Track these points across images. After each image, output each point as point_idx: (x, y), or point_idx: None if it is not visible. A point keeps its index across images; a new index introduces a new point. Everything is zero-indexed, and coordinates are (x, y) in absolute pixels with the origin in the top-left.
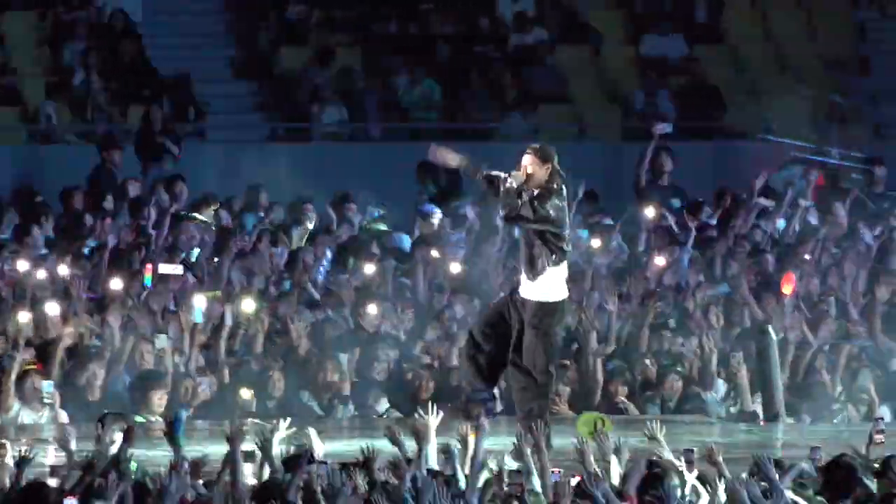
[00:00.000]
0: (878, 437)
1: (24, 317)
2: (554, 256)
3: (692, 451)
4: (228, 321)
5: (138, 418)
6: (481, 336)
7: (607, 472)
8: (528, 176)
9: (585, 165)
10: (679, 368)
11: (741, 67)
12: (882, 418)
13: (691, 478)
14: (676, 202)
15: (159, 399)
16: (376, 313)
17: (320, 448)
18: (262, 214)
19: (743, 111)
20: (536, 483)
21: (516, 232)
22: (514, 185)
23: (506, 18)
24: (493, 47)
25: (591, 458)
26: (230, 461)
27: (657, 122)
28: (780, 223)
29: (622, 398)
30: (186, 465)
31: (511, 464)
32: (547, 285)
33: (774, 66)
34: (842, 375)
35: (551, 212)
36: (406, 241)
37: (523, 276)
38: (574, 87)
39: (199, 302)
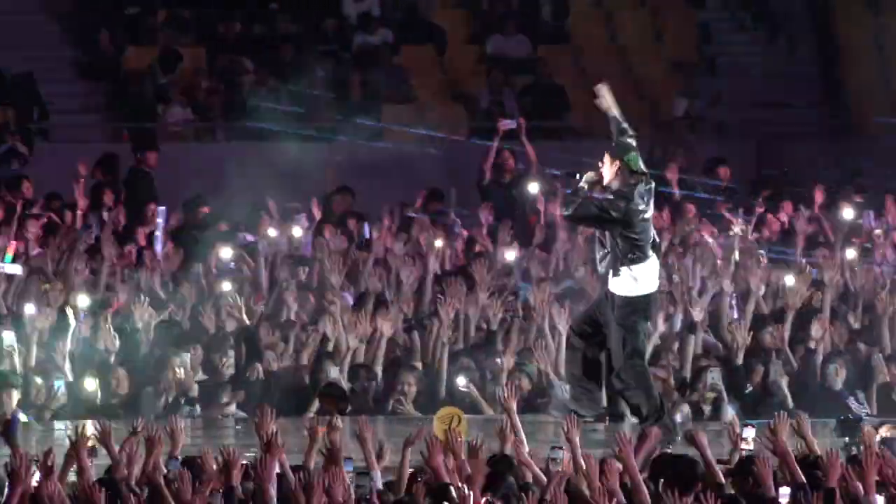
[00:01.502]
0: (744, 443)
1: None
2: (630, 255)
3: (560, 448)
4: (72, 320)
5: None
6: (580, 336)
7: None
8: (600, 174)
9: (430, 165)
10: (527, 366)
11: (585, 68)
12: (752, 425)
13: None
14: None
15: (8, 398)
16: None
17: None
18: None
19: (588, 111)
20: None
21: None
22: (582, 182)
23: (350, 19)
24: (338, 47)
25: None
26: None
27: (502, 119)
28: None
29: (473, 395)
30: (34, 466)
31: None
32: (628, 280)
33: (618, 67)
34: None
35: (612, 211)
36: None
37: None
38: (418, 86)
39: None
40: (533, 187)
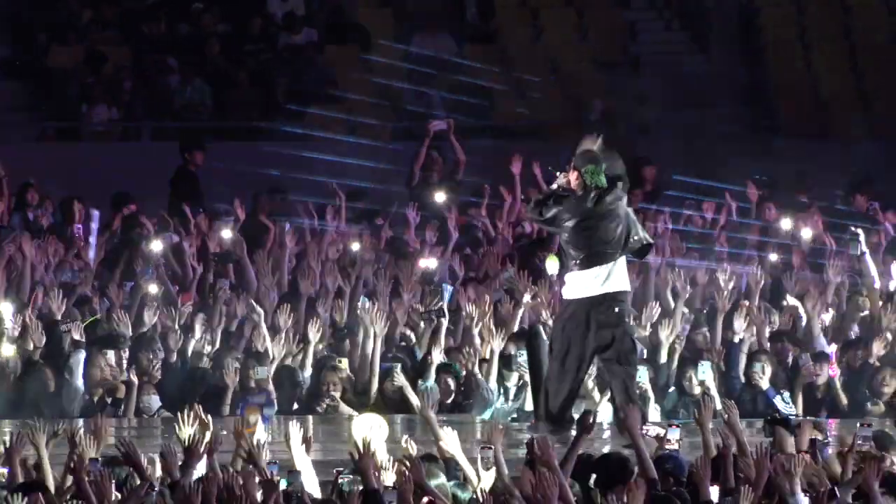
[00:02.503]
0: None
1: None
2: (571, 261)
3: (490, 447)
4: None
5: None
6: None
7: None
8: (569, 180)
9: (355, 164)
10: (454, 367)
11: (511, 67)
12: (677, 425)
13: (487, 476)
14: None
15: None
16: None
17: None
18: (31, 213)
19: (513, 111)
20: None
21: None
22: (555, 185)
23: (276, 18)
24: (263, 47)
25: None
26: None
27: (432, 120)
28: None
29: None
30: None
31: None
32: (570, 284)
33: (543, 67)
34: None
35: (550, 212)
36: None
37: None
38: (343, 86)
39: None
40: (440, 196)
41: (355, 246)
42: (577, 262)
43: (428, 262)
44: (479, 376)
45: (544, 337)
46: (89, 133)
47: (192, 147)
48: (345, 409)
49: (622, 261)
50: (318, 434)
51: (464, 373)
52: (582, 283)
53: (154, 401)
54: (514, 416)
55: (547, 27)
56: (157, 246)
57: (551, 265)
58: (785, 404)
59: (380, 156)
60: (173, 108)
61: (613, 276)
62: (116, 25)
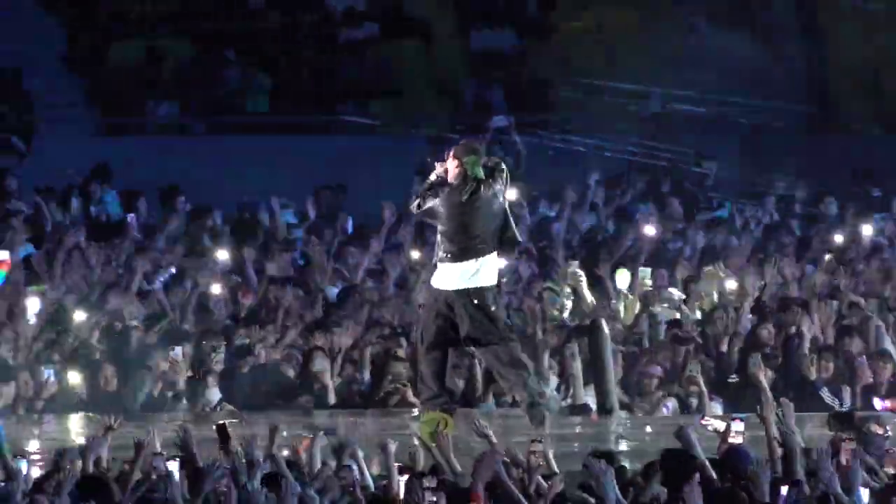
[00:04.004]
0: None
1: None
2: (441, 251)
3: (540, 440)
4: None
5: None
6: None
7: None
8: (447, 170)
9: (417, 159)
10: None
11: (571, 62)
12: (740, 418)
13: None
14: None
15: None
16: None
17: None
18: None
19: (571, 107)
20: None
21: None
22: (433, 176)
23: (336, 13)
24: (324, 41)
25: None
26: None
27: (493, 115)
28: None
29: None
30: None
31: None
32: (442, 274)
33: (602, 60)
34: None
35: (427, 202)
36: None
37: None
38: (404, 80)
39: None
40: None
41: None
42: (450, 254)
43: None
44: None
45: (606, 331)
46: (149, 127)
47: None
48: (412, 398)
49: (494, 255)
50: (387, 427)
51: None
52: (454, 276)
53: (214, 394)
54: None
55: (606, 21)
56: (223, 254)
57: (622, 279)
58: (832, 398)
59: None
60: (233, 103)
61: (483, 271)
62: (176, 20)
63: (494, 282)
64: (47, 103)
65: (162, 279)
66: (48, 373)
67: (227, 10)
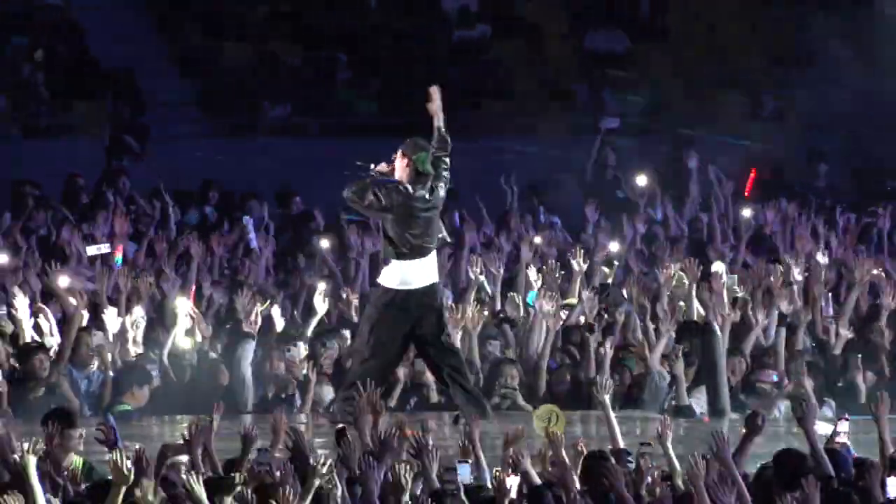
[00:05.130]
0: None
1: None
2: (403, 250)
3: (649, 443)
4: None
5: (126, 407)
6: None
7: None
8: (392, 168)
9: (528, 160)
10: (628, 362)
11: (683, 63)
12: (847, 418)
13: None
14: (621, 195)
15: (143, 392)
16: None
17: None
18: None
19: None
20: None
21: None
22: (374, 171)
23: (449, 14)
24: (436, 42)
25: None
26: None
27: (602, 117)
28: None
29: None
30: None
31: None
32: (395, 273)
33: (716, 62)
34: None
35: (382, 200)
36: None
37: None
38: (517, 82)
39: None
40: (641, 180)
41: (537, 239)
42: (407, 251)
43: (610, 247)
44: (655, 370)
45: (719, 333)
46: (263, 129)
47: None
48: (522, 402)
49: (435, 253)
50: (494, 428)
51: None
52: (412, 274)
53: (327, 392)
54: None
55: (719, 23)
56: (325, 243)
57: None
58: None
59: (552, 151)
60: (344, 105)
61: (432, 267)
62: (289, 22)
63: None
64: (160, 104)
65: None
66: (154, 372)
67: (341, 11)
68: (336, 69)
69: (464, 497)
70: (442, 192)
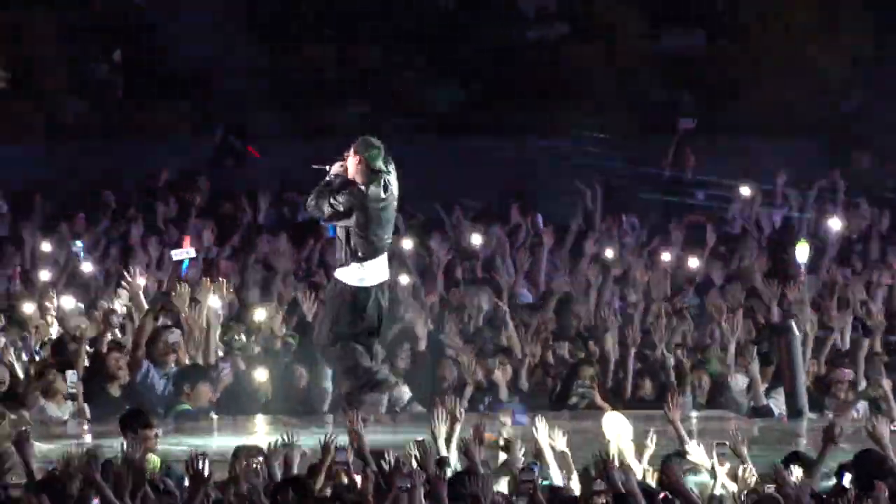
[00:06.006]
0: None
1: (28, 308)
2: (358, 252)
3: (725, 443)
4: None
5: (184, 406)
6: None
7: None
8: (346, 167)
9: (607, 161)
10: (707, 362)
11: (760, 62)
12: None
13: (722, 472)
14: (700, 195)
15: (206, 391)
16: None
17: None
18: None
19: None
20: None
21: None
22: (331, 174)
23: (526, 14)
24: (514, 42)
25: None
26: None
27: (679, 117)
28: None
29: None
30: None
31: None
32: (355, 272)
33: (793, 61)
34: (864, 369)
35: (340, 207)
36: None
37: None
38: (593, 81)
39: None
40: (745, 190)
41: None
42: (368, 253)
43: (692, 262)
44: (732, 374)
45: (797, 333)
46: (340, 129)
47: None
48: (599, 401)
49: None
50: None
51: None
52: (372, 272)
53: (404, 392)
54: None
55: (796, 22)
56: (408, 244)
57: (801, 251)
58: None
59: (627, 152)
60: (423, 105)
61: (385, 265)
62: (369, 22)
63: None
64: (241, 104)
65: None
66: (224, 367)
67: (419, 11)
68: (414, 68)
69: (540, 496)
70: (395, 188)
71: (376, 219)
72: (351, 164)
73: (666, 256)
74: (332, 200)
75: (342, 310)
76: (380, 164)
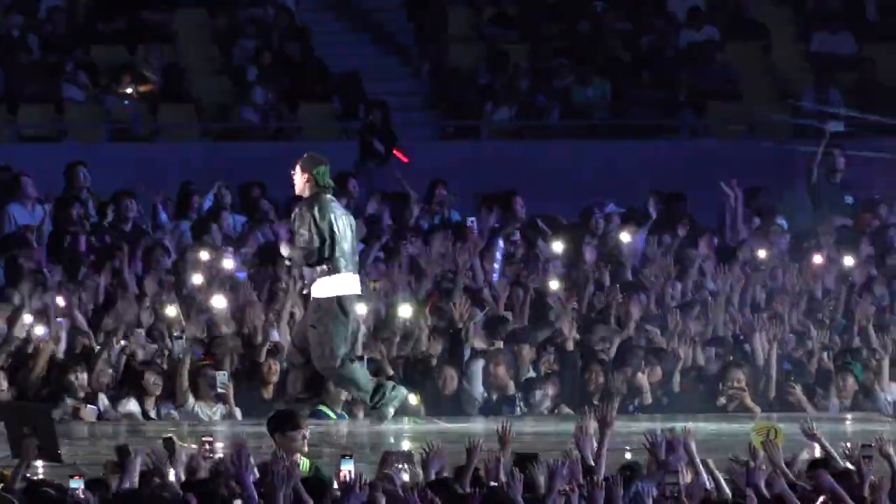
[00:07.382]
0: None
1: (171, 311)
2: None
3: (870, 445)
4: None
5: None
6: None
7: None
8: (294, 185)
9: (755, 163)
10: (854, 366)
11: None
12: None
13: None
14: (850, 199)
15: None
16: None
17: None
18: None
19: None
20: None
21: None
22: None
23: (677, 16)
24: (665, 44)
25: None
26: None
27: (828, 121)
28: None
29: (798, 395)
30: None
31: None
32: (325, 285)
33: None
34: None
35: (309, 235)
36: None
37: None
38: (743, 84)
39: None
40: None
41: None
42: (340, 264)
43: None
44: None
45: None
46: (489, 131)
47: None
48: (750, 403)
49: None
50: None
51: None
52: (348, 282)
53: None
54: None
55: None
56: (557, 247)
57: None
58: None
59: (775, 155)
60: (572, 106)
61: (356, 279)
62: (516, 24)
63: None
64: (387, 106)
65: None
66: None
67: (567, 13)
68: (562, 71)
69: (685, 499)
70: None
71: (343, 232)
72: (298, 181)
73: (817, 259)
74: (301, 230)
75: (334, 327)
76: (328, 179)
